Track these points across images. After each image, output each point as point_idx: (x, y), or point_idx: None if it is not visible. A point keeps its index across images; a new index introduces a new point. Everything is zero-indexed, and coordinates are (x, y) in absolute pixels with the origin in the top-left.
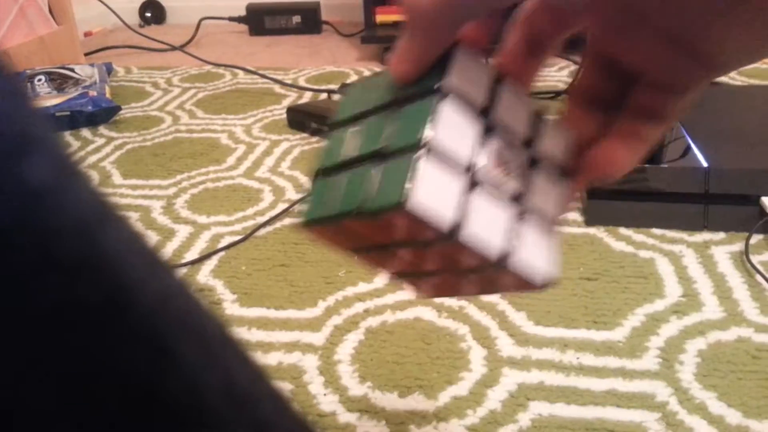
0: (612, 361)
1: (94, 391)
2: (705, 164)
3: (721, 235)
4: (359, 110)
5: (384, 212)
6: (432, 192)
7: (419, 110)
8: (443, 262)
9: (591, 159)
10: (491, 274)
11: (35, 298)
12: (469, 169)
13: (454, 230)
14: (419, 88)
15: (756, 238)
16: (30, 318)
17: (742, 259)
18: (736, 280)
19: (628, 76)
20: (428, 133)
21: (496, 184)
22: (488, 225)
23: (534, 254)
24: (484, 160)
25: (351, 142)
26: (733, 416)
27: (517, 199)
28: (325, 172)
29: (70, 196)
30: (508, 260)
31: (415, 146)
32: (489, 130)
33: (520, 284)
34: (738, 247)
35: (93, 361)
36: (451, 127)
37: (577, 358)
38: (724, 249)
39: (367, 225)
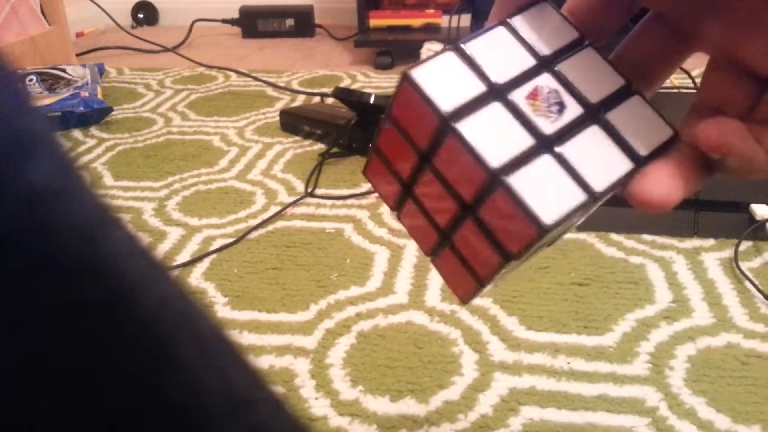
0: (603, 366)
1: (92, 392)
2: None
3: (711, 241)
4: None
5: (395, 95)
6: (442, 76)
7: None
8: (447, 189)
9: (702, 126)
10: (490, 205)
11: (36, 299)
12: (495, 86)
13: (455, 115)
14: None
15: (745, 245)
16: (30, 319)
17: (732, 266)
18: (725, 287)
19: (760, 81)
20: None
21: (520, 111)
22: (494, 133)
23: (541, 192)
24: (519, 89)
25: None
26: (722, 422)
27: (542, 139)
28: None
29: (73, 198)
30: (506, 178)
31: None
32: (540, 73)
33: (516, 222)
34: (728, 253)
35: (92, 362)
36: (493, 48)
37: (568, 363)
38: (713, 255)
39: (391, 132)
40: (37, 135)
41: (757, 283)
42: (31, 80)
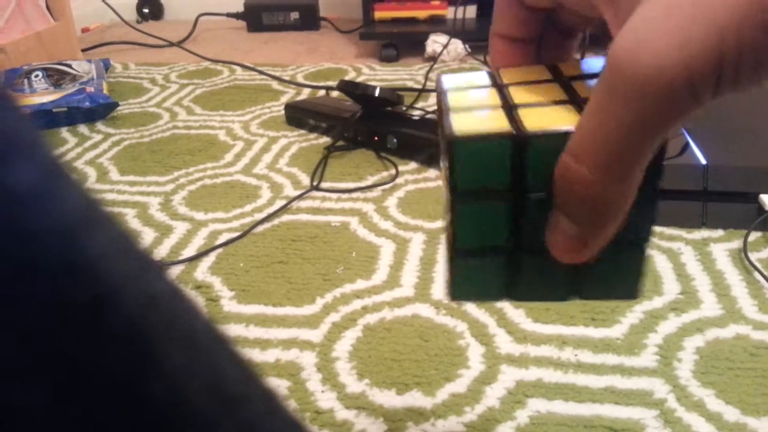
0: (610, 359)
1: (75, 394)
2: (704, 161)
3: (720, 232)
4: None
5: None
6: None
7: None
8: None
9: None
10: None
11: (16, 302)
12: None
13: None
14: None
15: (754, 236)
16: (12, 321)
17: (741, 257)
18: (734, 278)
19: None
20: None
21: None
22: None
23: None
24: None
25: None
26: (731, 413)
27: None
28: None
29: (55, 200)
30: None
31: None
32: None
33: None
34: (736, 244)
35: (75, 364)
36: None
37: (576, 356)
38: (722, 246)
39: None
40: (18, 137)
41: (766, 274)
42: (37, 76)
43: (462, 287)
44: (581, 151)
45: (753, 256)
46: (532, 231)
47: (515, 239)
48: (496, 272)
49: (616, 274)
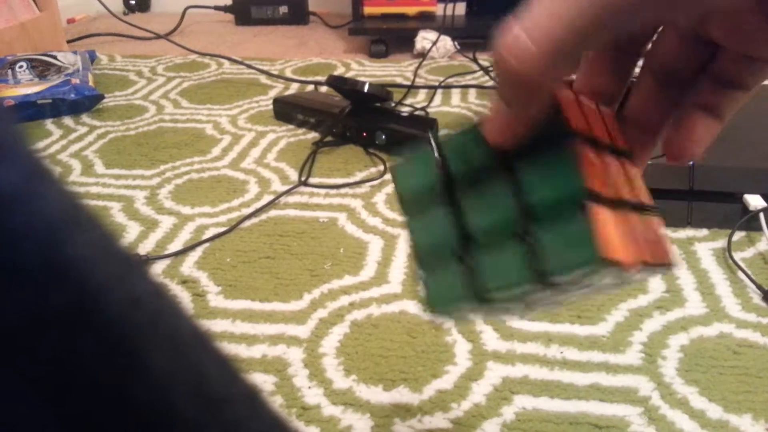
0: (595, 356)
1: (59, 395)
2: (689, 161)
3: (705, 231)
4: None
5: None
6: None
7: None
8: None
9: (670, 140)
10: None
11: (2, 302)
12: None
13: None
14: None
15: (738, 235)
16: None
17: (725, 256)
18: (718, 277)
19: (711, 45)
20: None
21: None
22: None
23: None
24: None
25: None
26: (714, 411)
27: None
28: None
29: (39, 202)
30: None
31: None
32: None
33: None
34: (721, 243)
35: (59, 365)
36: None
37: (561, 353)
38: (707, 245)
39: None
40: (2, 141)
41: (749, 273)
42: (21, 67)
43: (435, 298)
44: (533, 25)
45: (737, 256)
46: (473, 223)
47: (463, 243)
48: (459, 278)
49: (569, 239)
